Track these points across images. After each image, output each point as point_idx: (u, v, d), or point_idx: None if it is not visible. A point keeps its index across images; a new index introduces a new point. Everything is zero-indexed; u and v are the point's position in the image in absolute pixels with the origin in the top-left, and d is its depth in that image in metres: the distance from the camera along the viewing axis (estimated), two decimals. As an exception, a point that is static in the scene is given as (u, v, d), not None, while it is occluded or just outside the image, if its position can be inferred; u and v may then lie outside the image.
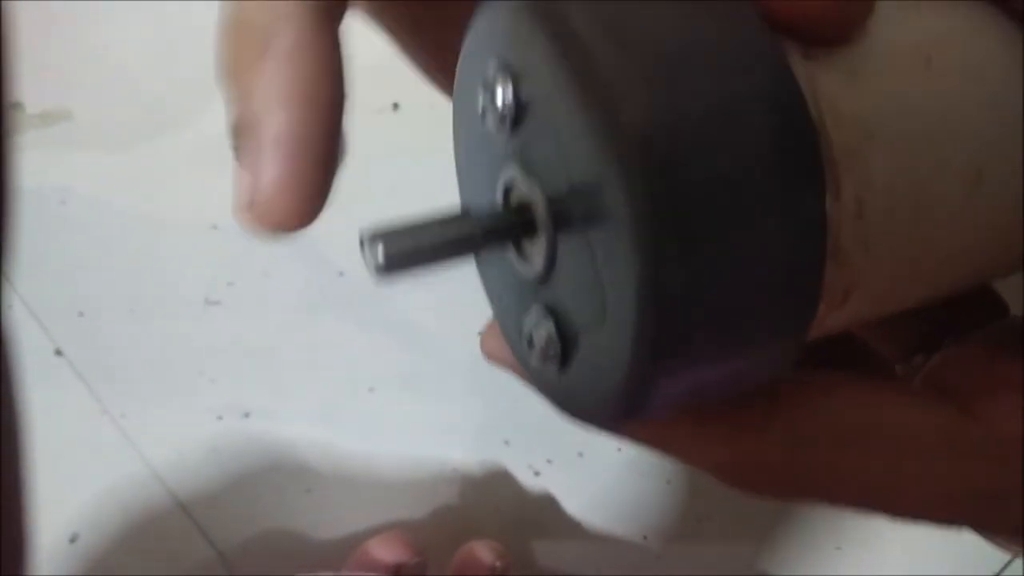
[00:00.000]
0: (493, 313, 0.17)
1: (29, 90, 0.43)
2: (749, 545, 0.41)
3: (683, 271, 0.11)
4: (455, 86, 0.16)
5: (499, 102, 0.13)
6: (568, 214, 0.13)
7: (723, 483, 0.15)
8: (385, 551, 0.35)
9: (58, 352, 0.41)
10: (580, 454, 0.40)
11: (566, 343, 0.14)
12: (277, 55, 0.13)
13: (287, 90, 0.13)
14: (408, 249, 0.13)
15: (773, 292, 0.12)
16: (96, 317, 0.41)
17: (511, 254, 0.15)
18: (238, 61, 0.13)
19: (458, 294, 0.44)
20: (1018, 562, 0.40)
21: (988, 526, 0.16)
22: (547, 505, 0.40)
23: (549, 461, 0.40)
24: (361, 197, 0.43)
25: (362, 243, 0.13)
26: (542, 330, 0.14)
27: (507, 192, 0.14)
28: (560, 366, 0.14)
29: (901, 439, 0.14)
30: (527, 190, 0.14)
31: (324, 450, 0.40)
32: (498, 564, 0.36)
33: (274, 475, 0.40)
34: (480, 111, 0.14)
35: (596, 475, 0.40)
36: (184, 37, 0.44)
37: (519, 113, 0.13)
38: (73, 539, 0.39)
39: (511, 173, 0.14)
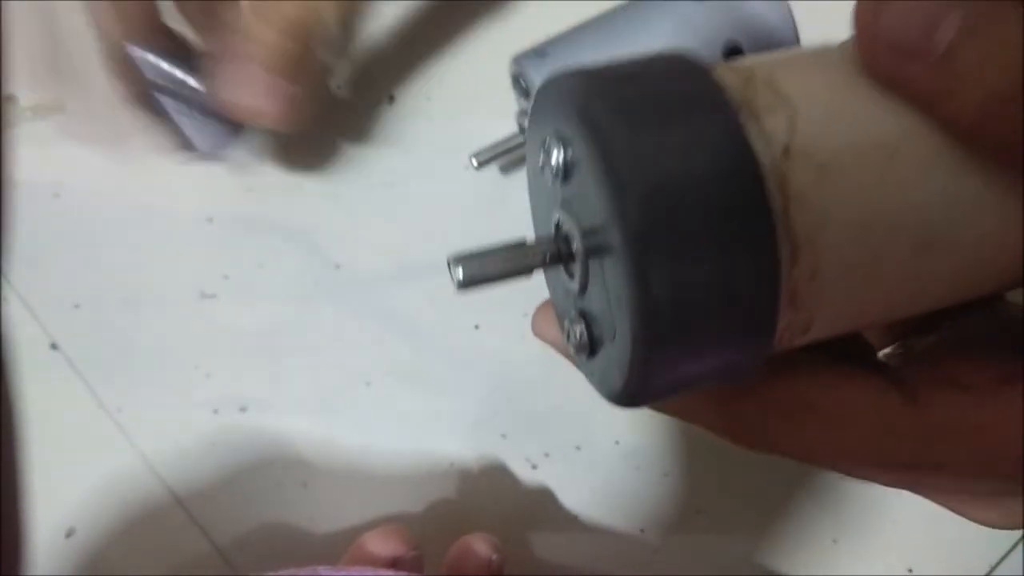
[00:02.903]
0: (551, 301, 0.22)
1: (23, 83, 0.43)
2: (746, 538, 0.41)
3: (661, 293, 0.15)
4: (526, 147, 0.20)
5: (553, 162, 0.17)
6: (595, 248, 0.17)
7: (718, 437, 0.19)
8: (382, 544, 0.35)
9: (53, 346, 0.40)
10: (577, 447, 0.40)
11: (593, 341, 0.18)
12: None
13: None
14: (482, 270, 0.18)
15: (729, 318, 0.15)
16: (92, 310, 0.41)
17: (562, 272, 0.19)
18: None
19: (454, 289, 0.44)
20: (1012, 559, 0.40)
21: (920, 493, 0.20)
22: (544, 498, 0.40)
23: (546, 454, 0.40)
24: (357, 189, 0.43)
25: (448, 264, 0.18)
26: (577, 329, 0.19)
27: (557, 228, 0.19)
28: (588, 357, 0.19)
29: (846, 416, 0.18)
30: (569, 228, 0.18)
31: (320, 444, 0.40)
32: (495, 557, 0.36)
33: (270, 469, 0.40)
34: (540, 167, 0.18)
35: (593, 468, 0.40)
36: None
37: (568, 171, 0.17)
38: (69, 533, 0.39)
39: (560, 214, 0.18)
